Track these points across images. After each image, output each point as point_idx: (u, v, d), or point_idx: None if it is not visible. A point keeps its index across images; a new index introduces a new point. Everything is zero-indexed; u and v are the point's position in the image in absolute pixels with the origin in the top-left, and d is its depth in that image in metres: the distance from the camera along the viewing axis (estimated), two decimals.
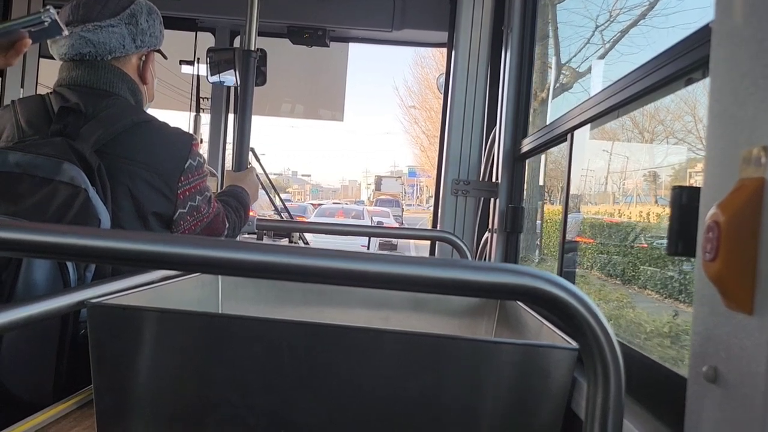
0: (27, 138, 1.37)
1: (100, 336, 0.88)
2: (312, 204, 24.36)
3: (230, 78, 2.60)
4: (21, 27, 1.22)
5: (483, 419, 0.87)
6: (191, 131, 2.61)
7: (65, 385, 1.18)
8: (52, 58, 1.56)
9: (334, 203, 27.11)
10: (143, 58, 1.56)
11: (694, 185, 0.64)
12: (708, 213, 0.54)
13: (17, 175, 1.26)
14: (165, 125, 1.49)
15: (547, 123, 1.52)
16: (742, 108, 0.55)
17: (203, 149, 3.07)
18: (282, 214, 3.00)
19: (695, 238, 0.62)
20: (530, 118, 2.05)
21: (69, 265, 1.21)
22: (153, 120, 1.47)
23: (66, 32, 1.36)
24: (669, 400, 0.74)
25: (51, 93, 1.48)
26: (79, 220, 1.24)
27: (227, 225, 1.61)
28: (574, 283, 0.70)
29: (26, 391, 1.18)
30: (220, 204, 1.61)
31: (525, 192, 2.10)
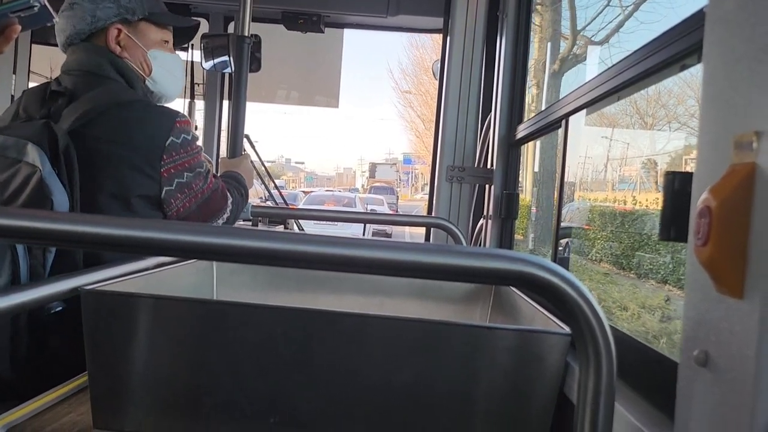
0: (18, 122, 1.41)
1: (94, 322, 0.88)
2: (303, 191, 24.02)
3: (225, 64, 2.58)
4: (9, 11, 1.21)
5: (477, 404, 0.87)
6: None
7: (27, 366, 1.19)
8: (45, 44, 1.57)
9: (327, 191, 26.82)
10: (112, 32, 1.52)
11: (687, 170, 0.64)
12: (700, 198, 0.54)
13: None
14: (149, 105, 1.48)
15: (560, 97, 1.50)
16: (735, 93, 0.55)
17: (198, 136, 3.06)
18: (276, 200, 2.99)
19: (687, 223, 0.62)
20: (541, 94, 2.02)
21: (19, 250, 1.20)
22: (137, 100, 1.46)
23: (57, 18, 1.35)
24: (660, 384, 0.75)
25: (54, 80, 1.51)
26: (33, 199, 1.26)
27: (230, 198, 1.59)
28: (568, 269, 0.70)
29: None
30: (220, 180, 1.59)
31: (536, 180, 2.08)
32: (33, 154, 1.28)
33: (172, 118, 1.46)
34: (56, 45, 1.56)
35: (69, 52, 1.51)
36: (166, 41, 1.63)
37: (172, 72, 1.63)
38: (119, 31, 1.52)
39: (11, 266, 1.19)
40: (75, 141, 1.34)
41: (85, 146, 1.35)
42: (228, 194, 1.59)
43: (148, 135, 1.42)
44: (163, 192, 1.44)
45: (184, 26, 1.67)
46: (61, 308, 1.26)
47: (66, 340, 1.19)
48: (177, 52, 1.69)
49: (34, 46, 2.87)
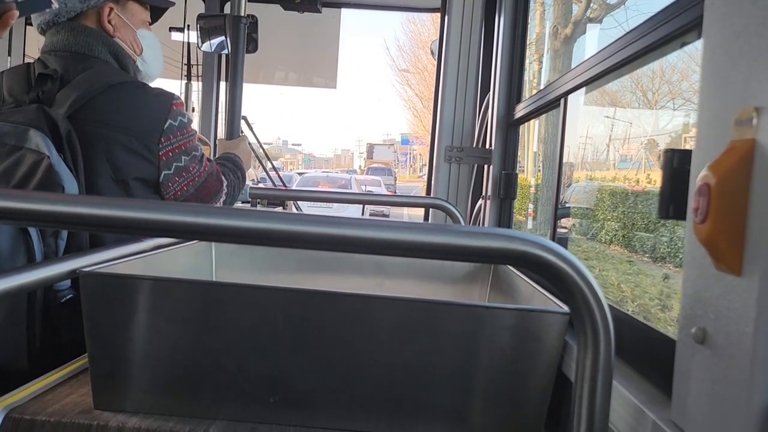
0: (6, 106, 1.36)
1: (93, 304, 0.88)
2: (298, 173, 23.76)
3: (221, 45, 2.56)
4: None
5: (476, 382, 0.88)
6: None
7: (41, 352, 1.19)
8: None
9: (323, 172, 26.59)
10: (105, 10, 1.48)
11: (686, 148, 0.64)
12: (699, 175, 0.54)
13: None
14: (144, 86, 1.45)
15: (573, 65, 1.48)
16: (736, 68, 0.54)
17: (195, 118, 3.05)
18: (274, 183, 2.99)
19: (686, 201, 0.62)
20: (551, 62, 2.01)
21: (33, 235, 1.19)
22: (130, 81, 1.44)
23: (55, 4, 1.33)
24: (658, 361, 0.75)
25: (35, 61, 1.46)
26: (43, 187, 1.23)
27: (224, 182, 1.58)
28: (566, 248, 0.70)
29: (3, 359, 1.19)
30: (214, 164, 1.58)
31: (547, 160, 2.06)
32: (37, 141, 1.25)
33: (169, 100, 1.44)
34: None
35: (52, 32, 1.46)
36: (148, 21, 1.61)
37: (157, 51, 1.62)
38: (111, 9, 1.49)
39: (26, 254, 1.19)
40: (72, 125, 1.32)
41: (81, 130, 1.32)
42: (223, 178, 1.58)
43: (146, 118, 1.40)
44: (162, 176, 1.42)
45: (164, 6, 1.66)
46: (72, 296, 1.26)
47: (74, 324, 1.20)
48: (172, 31, 1.67)
49: (28, 28, 2.86)
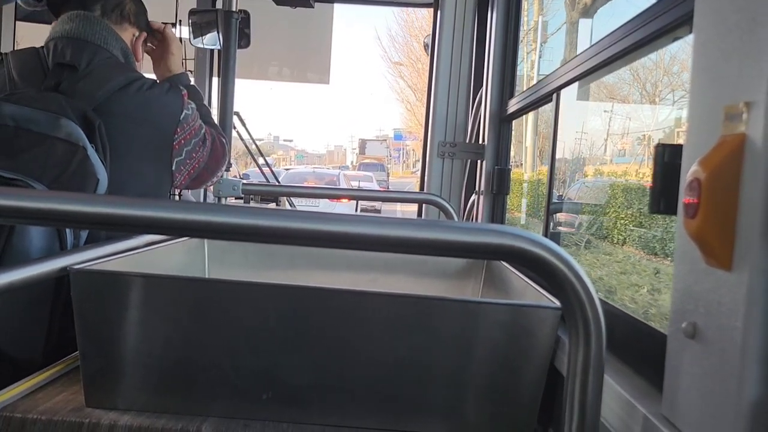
0: (19, 90, 1.33)
1: (85, 302, 0.88)
2: (285, 169, 23.50)
3: (213, 40, 2.54)
4: None
5: (469, 377, 0.88)
6: None
7: (56, 346, 1.18)
8: (30, 21, 1.52)
9: (315, 168, 26.41)
10: (136, 35, 1.56)
11: (678, 143, 0.64)
12: (689, 170, 0.54)
13: (11, 128, 1.23)
14: (156, 82, 1.49)
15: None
16: (727, 62, 0.54)
17: None
18: (268, 179, 2.98)
19: (677, 196, 0.62)
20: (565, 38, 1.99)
21: (67, 229, 1.20)
22: (144, 77, 1.47)
23: None
24: (649, 356, 0.75)
25: (44, 46, 1.44)
26: (77, 178, 1.21)
27: (224, 140, 1.63)
28: (559, 244, 0.70)
29: (17, 351, 1.18)
30: (208, 128, 1.58)
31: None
32: (69, 130, 1.24)
33: (179, 91, 1.50)
34: (42, 22, 1.52)
35: (66, 19, 1.44)
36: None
37: None
38: (139, 37, 1.56)
39: (57, 240, 1.19)
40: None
41: (104, 123, 1.32)
42: (224, 140, 1.62)
43: (166, 112, 1.44)
44: (174, 164, 1.47)
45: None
46: None
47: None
48: (166, 25, 1.67)
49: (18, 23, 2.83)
